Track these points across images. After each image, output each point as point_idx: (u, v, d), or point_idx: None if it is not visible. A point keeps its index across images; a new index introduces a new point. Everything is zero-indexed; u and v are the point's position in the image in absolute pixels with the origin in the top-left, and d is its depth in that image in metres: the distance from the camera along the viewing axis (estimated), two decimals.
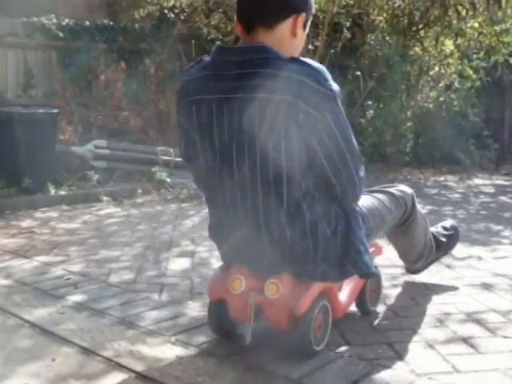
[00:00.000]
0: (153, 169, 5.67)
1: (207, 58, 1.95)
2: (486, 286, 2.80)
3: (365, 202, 2.15)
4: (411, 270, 2.82)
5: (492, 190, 6.37)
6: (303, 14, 1.91)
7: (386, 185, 2.52)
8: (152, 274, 2.96)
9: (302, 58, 1.82)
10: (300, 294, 1.90)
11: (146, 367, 1.90)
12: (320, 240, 1.89)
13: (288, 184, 1.83)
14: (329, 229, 1.90)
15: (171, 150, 5.98)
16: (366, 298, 2.34)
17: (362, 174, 1.96)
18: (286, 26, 1.89)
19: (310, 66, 1.81)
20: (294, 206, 1.85)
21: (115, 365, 1.93)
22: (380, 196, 2.32)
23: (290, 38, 1.91)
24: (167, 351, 2.02)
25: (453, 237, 2.85)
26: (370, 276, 2.14)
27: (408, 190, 2.46)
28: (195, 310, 2.44)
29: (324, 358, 1.96)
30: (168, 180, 5.61)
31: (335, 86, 1.82)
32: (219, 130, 1.86)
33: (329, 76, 1.82)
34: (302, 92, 1.76)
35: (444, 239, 2.79)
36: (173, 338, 2.12)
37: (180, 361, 1.95)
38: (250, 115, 1.79)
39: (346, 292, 2.18)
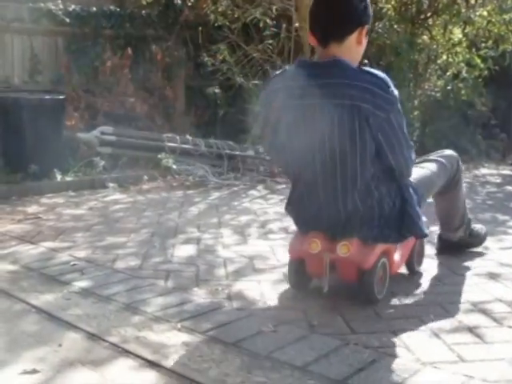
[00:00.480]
0: (159, 155, 5.66)
1: (290, 68, 2.43)
2: (493, 276, 2.79)
3: (415, 173, 2.59)
4: (452, 239, 3.08)
5: (498, 180, 6.34)
6: (366, 26, 2.34)
7: (434, 153, 2.93)
8: (158, 261, 2.97)
9: (369, 69, 2.28)
10: (366, 253, 2.36)
11: (153, 353, 1.91)
12: (384, 211, 2.39)
13: (361, 169, 2.30)
14: (390, 202, 2.40)
15: (177, 137, 5.98)
16: (413, 259, 2.76)
17: (413, 156, 2.47)
18: (353, 37, 2.30)
19: (376, 75, 2.25)
20: (365, 185, 2.34)
21: (122, 351, 1.94)
22: (427, 165, 2.79)
23: (356, 46, 2.33)
24: (173, 338, 2.03)
25: (483, 232, 3.24)
26: (424, 237, 2.62)
27: (453, 153, 2.94)
28: (201, 296, 2.45)
29: (329, 345, 1.96)
30: (174, 167, 5.61)
31: (395, 92, 2.27)
32: (305, 128, 2.30)
33: (391, 83, 2.26)
34: (370, 98, 2.20)
35: (475, 229, 3.18)
36: (179, 325, 2.13)
37: (186, 347, 1.96)
38: (330, 117, 2.24)
39: (399, 254, 2.58)
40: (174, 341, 2.00)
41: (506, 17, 8.19)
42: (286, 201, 2.59)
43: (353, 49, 2.32)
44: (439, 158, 2.85)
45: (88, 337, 2.05)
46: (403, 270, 2.75)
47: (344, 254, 2.34)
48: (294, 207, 2.54)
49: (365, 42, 2.36)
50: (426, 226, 2.55)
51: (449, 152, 2.94)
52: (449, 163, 2.85)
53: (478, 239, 3.20)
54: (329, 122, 2.25)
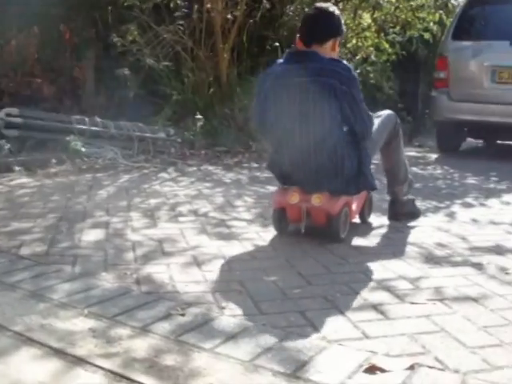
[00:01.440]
0: (67, 138, 5.52)
1: (281, 60, 3.18)
2: (396, 255, 2.89)
3: None
4: (399, 196, 3.60)
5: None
6: (339, 37, 3.21)
7: (374, 114, 3.39)
8: (65, 246, 2.90)
9: (336, 58, 3.12)
10: (334, 203, 3.05)
11: (58, 341, 1.86)
12: (345, 168, 3.06)
13: (330, 132, 3.02)
14: (349, 163, 3.06)
15: (86, 119, 5.85)
16: (365, 210, 3.49)
17: (372, 122, 3.20)
18: (330, 44, 3.12)
19: (341, 62, 3.08)
20: (332, 146, 3.02)
21: (26, 339, 1.88)
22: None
23: (330, 51, 3.13)
24: (80, 324, 1.99)
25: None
26: (374, 189, 3.32)
27: (390, 111, 3.54)
28: (109, 281, 2.41)
29: (238, 326, 1.98)
30: (83, 149, 5.49)
31: (355, 75, 3.09)
32: (287, 99, 3.04)
33: (352, 68, 3.10)
34: (337, 76, 2.98)
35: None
36: (85, 311, 2.09)
37: (93, 333, 1.92)
38: (307, 89, 2.99)
39: (355, 205, 3.30)
40: (81, 327, 1.96)
41: (413, 3, 8.43)
42: (267, 162, 3.41)
43: (328, 52, 3.11)
44: (379, 118, 3.38)
45: None
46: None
47: (317, 203, 3.04)
48: (275, 166, 3.25)
49: (337, 49, 3.22)
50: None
51: (386, 111, 3.51)
52: (387, 119, 3.42)
53: (419, 211, 3.73)
54: (305, 93, 3.00)
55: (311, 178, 3.08)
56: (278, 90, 3.06)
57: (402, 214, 3.61)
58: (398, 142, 3.53)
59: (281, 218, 3.18)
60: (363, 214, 3.49)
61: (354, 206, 3.28)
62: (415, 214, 3.69)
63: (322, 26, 3.12)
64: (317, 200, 3.05)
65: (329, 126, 3.01)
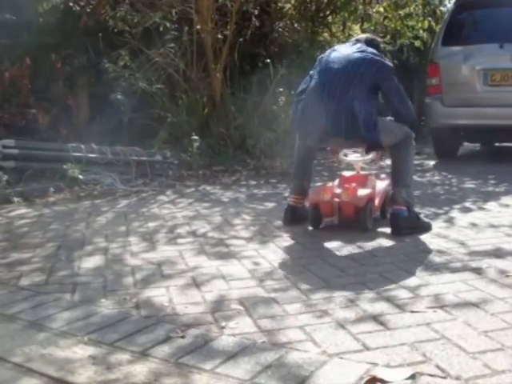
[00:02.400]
0: (64, 166, 5.54)
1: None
2: (396, 264, 2.88)
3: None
4: (398, 200, 3.59)
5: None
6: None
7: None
8: (64, 274, 2.90)
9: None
10: (361, 198, 3.53)
11: (58, 370, 1.86)
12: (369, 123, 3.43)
13: (360, 93, 3.44)
14: (372, 119, 3.44)
15: (82, 146, 5.87)
16: (385, 206, 3.87)
17: (409, 103, 3.68)
18: None
19: (380, 54, 3.64)
20: (365, 109, 3.42)
21: (26, 370, 1.88)
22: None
23: None
24: (80, 351, 1.99)
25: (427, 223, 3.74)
26: (380, 146, 3.61)
27: (407, 129, 3.71)
28: (108, 307, 2.41)
29: (238, 345, 1.98)
30: (80, 177, 5.50)
31: (391, 65, 3.62)
32: (338, 63, 3.53)
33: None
34: (379, 59, 3.54)
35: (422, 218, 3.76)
36: (85, 338, 2.09)
37: (93, 360, 1.92)
38: (354, 58, 3.51)
39: (377, 201, 3.76)
40: (80, 355, 1.96)
41: (402, 12, 8.48)
42: (292, 122, 3.83)
43: None
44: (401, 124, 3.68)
45: None
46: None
47: (347, 199, 3.52)
48: (299, 125, 3.66)
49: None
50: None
51: (404, 127, 3.72)
52: (406, 128, 3.67)
53: (426, 225, 3.64)
54: (353, 60, 3.48)
55: (344, 127, 3.41)
56: (329, 60, 3.57)
57: (405, 227, 3.52)
58: (409, 151, 3.71)
59: (315, 213, 3.63)
60: (384, 210, 3.88)
61: (376, 201, 3.74)
62: (420, 227, 3.59)
63: None
64: (346, 195, 3.52)
65: (362, 87, 3.43)
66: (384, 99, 3.64)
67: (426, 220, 3.73)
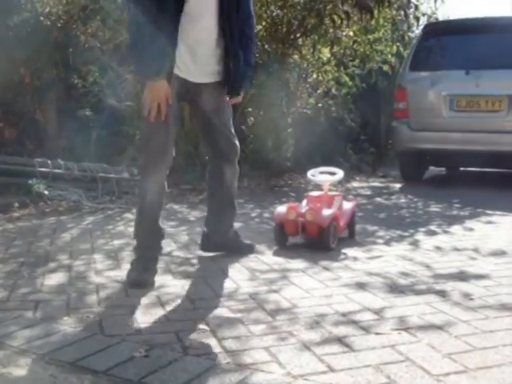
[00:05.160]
0: (30, 181, 5.46)
1: None
2: (361, 286, 2.89)
3: None
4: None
5: (369, 192, 6.62)
6: None
7: None
8: (26, 291, 2.85)
9: None
10: (325, 218, 3.59)
11: None
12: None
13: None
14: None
15: (49, 162, 5.80)
16: (353, 225, 4.05)
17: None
18: None
19: None
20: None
21: None
22: None
23: None
24: (40, 371, 1.95)
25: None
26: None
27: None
28: (70, 325, 2.37)
29: (202, 366, 1.96)
30: (46, 192, 5.42)
31: None
32: None
33: None
34: None
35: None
36: (46, 357, 2.05)
37: (54, 380, 1.89)
38: None
39: (343, 220, 3.84)
40: (41, 374, 1.92)
41: (371, 37, 8.58)
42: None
43: None
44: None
45: None
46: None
47: (311, 218, 3.58)
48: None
49: None
50: None
51: None
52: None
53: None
54: None
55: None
56: None
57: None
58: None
59: (281, 232, 3.71)
60: (352, 228, 4.02)
61: (341, 222, 3.79)
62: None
63: None
64: (310, 215, 3.57)
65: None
66: None
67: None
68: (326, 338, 2.22)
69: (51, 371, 1.94)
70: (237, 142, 3.40)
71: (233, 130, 3.36)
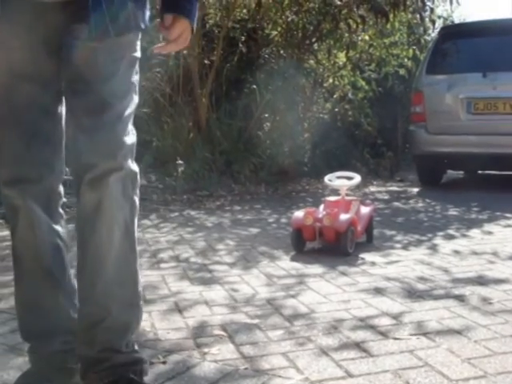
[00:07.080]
0: None
1: None
2: (379, 291, 2.88)
3: None
4: None
5: (386, 197, 6.60)
6: None
7: None
8: None
9: None
10: (342, 223, 3.59)
11: None
12: None
13: None
14: None
15: (67, 169, 5.83)
16: (371, 229, 4.03)
17: None
18: None
19: None
20: None
21: None
22: None
23: None
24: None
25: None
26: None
27: None
28: None
29: (220, 372, 1.96)
30: (64, 200, 5.45)
31: None
32: None
33: None
34: None
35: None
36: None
37: None
38: None
39: (361, 225, 3.83)
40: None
41: (387, 41, 8.58)
42: None
43: None
44: None
45: None
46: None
47: (328, 224, 3.58)
48: None
49: None
50: None
51: None
52: None
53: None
54: None
55: None
56: None
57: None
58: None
59: (298, 237, 3.70)
60: (370, 232, 4.00)
61: (359, 227, 3.78)
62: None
63: None
64: (328, 220, 3.57)
65: None
66: None
67: None
68: (344, 343, 2.21)
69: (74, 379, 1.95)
70: None
71: None
